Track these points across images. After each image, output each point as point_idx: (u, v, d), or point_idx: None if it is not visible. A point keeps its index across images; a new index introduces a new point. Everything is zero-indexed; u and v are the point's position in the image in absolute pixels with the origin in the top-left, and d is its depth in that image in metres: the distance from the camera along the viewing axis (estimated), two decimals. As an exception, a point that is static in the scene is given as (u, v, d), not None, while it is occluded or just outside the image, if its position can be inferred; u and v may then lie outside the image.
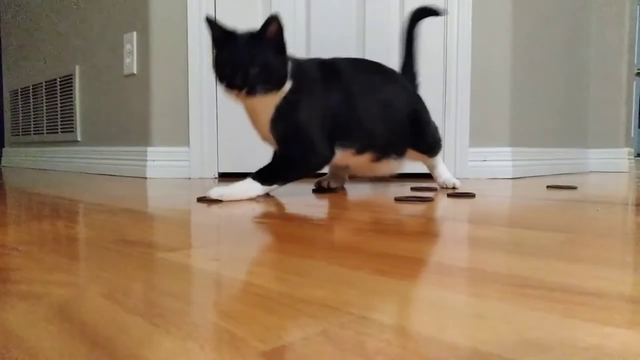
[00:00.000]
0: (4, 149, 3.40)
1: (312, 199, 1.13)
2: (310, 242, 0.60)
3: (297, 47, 1.88)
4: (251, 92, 1.02)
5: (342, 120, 1.13)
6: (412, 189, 1.35)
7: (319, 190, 1.31)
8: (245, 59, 1.01)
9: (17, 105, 3.14)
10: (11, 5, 3.17)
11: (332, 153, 1.14)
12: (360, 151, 1.18)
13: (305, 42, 1.88)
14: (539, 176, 1.98)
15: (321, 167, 1.15)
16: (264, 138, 1.15)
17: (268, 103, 1.07)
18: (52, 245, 0.57)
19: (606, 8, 2.46)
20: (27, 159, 3.04)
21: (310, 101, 1.10)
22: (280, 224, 0.74)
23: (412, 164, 1.39)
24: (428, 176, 1.47)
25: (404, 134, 1.24)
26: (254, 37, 1.03)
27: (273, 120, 1.08)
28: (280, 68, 1.05)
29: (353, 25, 1.87)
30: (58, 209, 0.93)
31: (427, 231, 0.68)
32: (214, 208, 0.93)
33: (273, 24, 1.02)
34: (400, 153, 1.26)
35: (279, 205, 0.99)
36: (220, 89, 1.06)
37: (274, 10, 1.86)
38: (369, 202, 1.06)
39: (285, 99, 1.07)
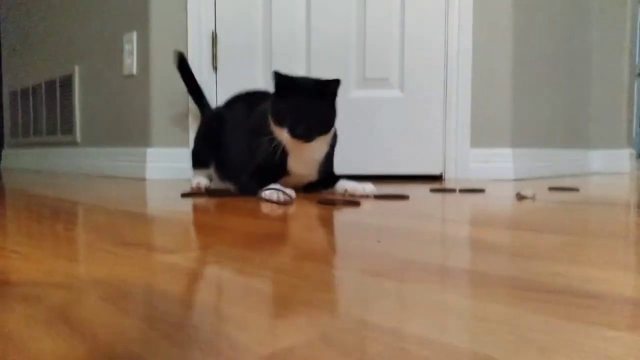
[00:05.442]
0: (3, 151, 3.40)
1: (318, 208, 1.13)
2: (312, 246, 0.60)
3: (297, 47, 1.88)
4: (309, 140, 1.17)
5: None
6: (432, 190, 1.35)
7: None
8: (309, 112, 1.16)
9: (17, 106, 3.14)
10: (11, 6, 3.17)
11: None
12: None
13: (306, 42, 1.88)
14: (541, 177, 1.98)
15: None
16: (304, 176, 1.25)
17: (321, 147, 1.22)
18: (51, 247, 0.57)
19: (607, 8, 2.46)
20: (26, 161, 3.04)
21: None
22: (281, 228, 0.74)
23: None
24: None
25: None
26: (316, 89, 1.18)
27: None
28: (333, 118, 1.21)
29: (353, 25, 1.87)
30: (57, 210, 0.93)
31: (428, 232, 0.68)
32: (213, 211, 0.93)
33: (337, 85, 1.20)
34: None
35: (278, 207, 0.99)
36: (280, 131, 1.17)
37: (274, 10, 1.86)
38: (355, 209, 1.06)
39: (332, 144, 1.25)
